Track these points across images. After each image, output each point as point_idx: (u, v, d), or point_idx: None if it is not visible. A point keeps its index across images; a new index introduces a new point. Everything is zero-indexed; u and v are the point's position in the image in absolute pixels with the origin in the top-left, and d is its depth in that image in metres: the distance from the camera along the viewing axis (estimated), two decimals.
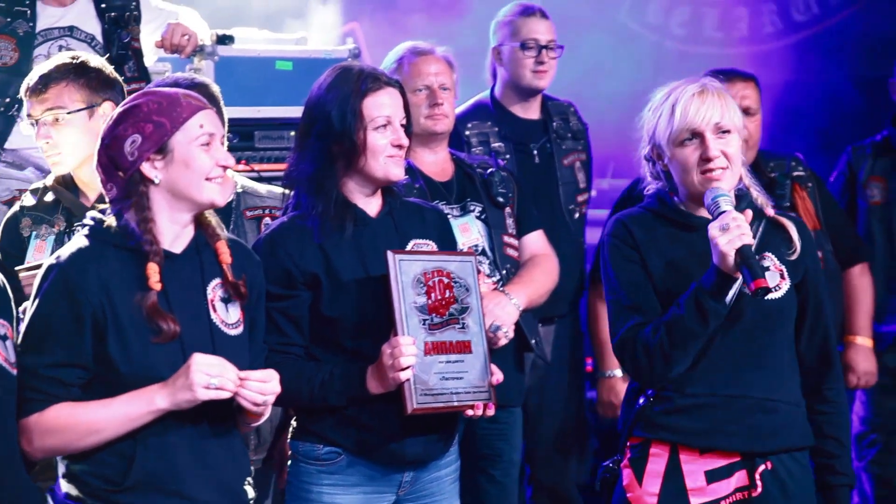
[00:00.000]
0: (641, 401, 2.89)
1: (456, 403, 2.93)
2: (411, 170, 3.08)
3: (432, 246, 3.07)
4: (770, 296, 2.83)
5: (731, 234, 2.73)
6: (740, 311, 2.84)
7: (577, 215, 4.41)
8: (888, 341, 4.53)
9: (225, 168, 2.69)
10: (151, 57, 4.43)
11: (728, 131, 2.86)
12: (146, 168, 2.65)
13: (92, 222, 2.70)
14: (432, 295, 2.93)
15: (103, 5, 4.32)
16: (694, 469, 2.85)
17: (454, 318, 2.96)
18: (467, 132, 4.28)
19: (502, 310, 3.63)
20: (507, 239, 3.95)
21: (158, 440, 2.63)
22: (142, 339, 2.62)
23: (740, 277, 2.76)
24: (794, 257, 2.90)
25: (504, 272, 3.91)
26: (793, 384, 2.92)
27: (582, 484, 4.55)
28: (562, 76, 4.45)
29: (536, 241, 4.04)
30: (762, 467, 2.86)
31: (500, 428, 3.97)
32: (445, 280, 2.96)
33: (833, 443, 2.94)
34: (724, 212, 2.76)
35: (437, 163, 3.91)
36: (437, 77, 3.91)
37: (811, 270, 2.94)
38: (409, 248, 3.03)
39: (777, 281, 2.88)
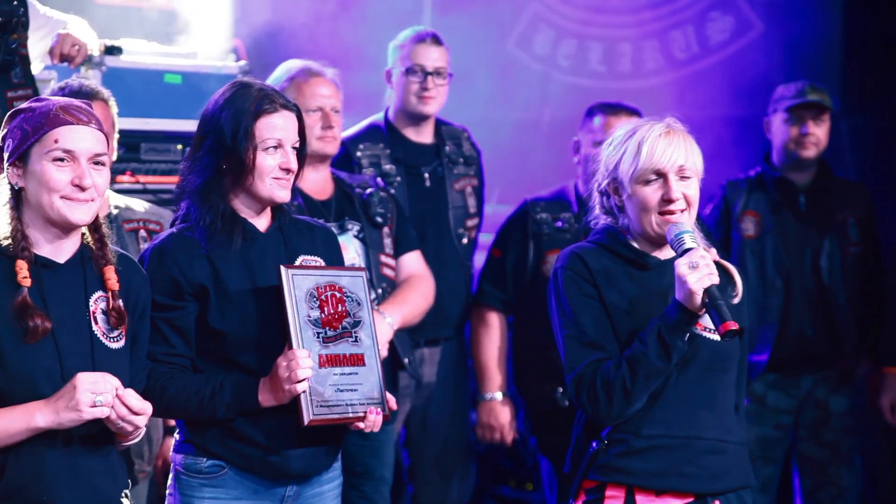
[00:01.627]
0: (594, 445, 2.87)
1: (351, 415, 2.94)
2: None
3: (320, 262, 3.08)
4: (719, 337, 2.84)
5: (701, 272, 2.73)
6: (695, 353, 2.85)
7: (465, 240, 4.45)
8: (758, 370, 4.66)
9: (83, 189, 2.64)
10: (38, 64, 4.35)
11: (690, 176, 2.88)
12: (11, 174, 2.66)
13: None
14: (325, 309, 2.95)
15: None
16: None
17: (347, 332, 2.98)
18: (358, 153, 4.30)
19: (377, 327, 3.66)
20: (383, 258, 3.99)
21: (30, 450, 2.59)
22: (17, 345, 2.58)
23: (702, 315, 2.77)
24: (736, 301, 2.87)
25: (380, 291, 3.94)
26: (736, 424, 2.95)
27: None
28: (449, 103, 4.50)
29: (413, 262, 4.08)
30: None
31: (372, 445, 4.00)
32: (338, 294, 2.99)
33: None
34: (689, 249, 2.77)
35: (317, 181, 3.93)
36: (328, 99, 3.96)
37: (746, 316, 2.97)
38: (297, 263, 3.04)
39: None
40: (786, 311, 4.64)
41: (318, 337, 2.92)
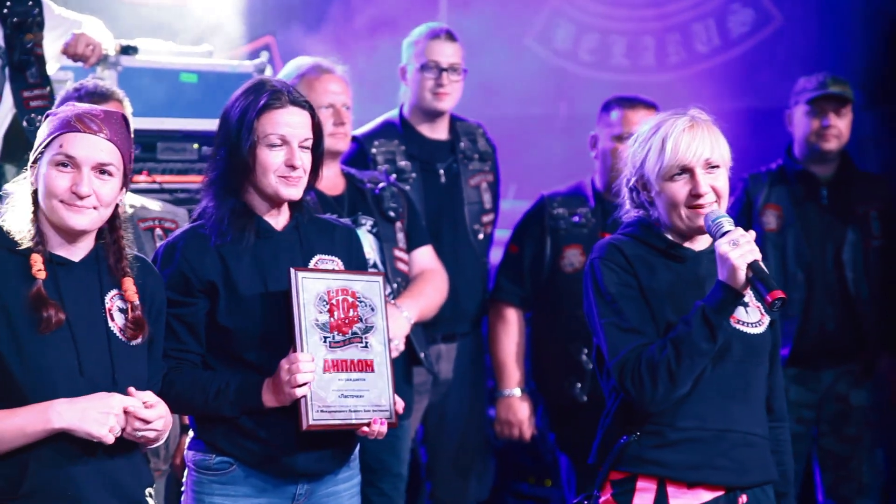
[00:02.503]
0: (625, 437, 2.85)
1: (354, 421, 2.93)
2: None
3: (337, 262, 3.07)
4: (753, 330, 2.87)
5: (743, 248, 2.73)
6: (728, 345, 2.84)
7: (481, 236, 4.44)
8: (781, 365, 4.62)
9: (79, 197, 2.66)
10: (54, 65, 4.37)
11: (717, 166, 2.86)
12: (31, 173, 2.71)
13: None
14: (335, 313, 2.94)
15: (6, 10, 4.25)
16: (682, 503, 2.83)
17: (357, 337, 2.96)
18: (374, 150, 4.30)
19: (394, 322, 3.65)
20: (397, 253, 3.99)
21: (53, 448, 2.61)
22: (35, 340, 2.61)
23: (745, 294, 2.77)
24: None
25: (395, 286, 3.94)
26: (766, 419, 2.95)
27: (482, 502, 4.58)
28: (468, 98, 4.49)
29: (425, 256, 4.08)
30: (741, 500, 2.87)
31: (388, 441, 3.95)
32: (350, 299, 2.97)
33: (782, 481, 2.99)
34: (728, 230, 2.76)
35: (328, 177, 3.93)
36: (339, 96, 3.97)
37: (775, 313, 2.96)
38: (312, 263, 3.03)
39: (759, 317, 2.90)
40: (807, 305, 4.61)
41: (324, 341, 2.91)
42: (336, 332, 2.93)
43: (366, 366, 2.97)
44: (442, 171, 4.40)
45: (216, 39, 5.31)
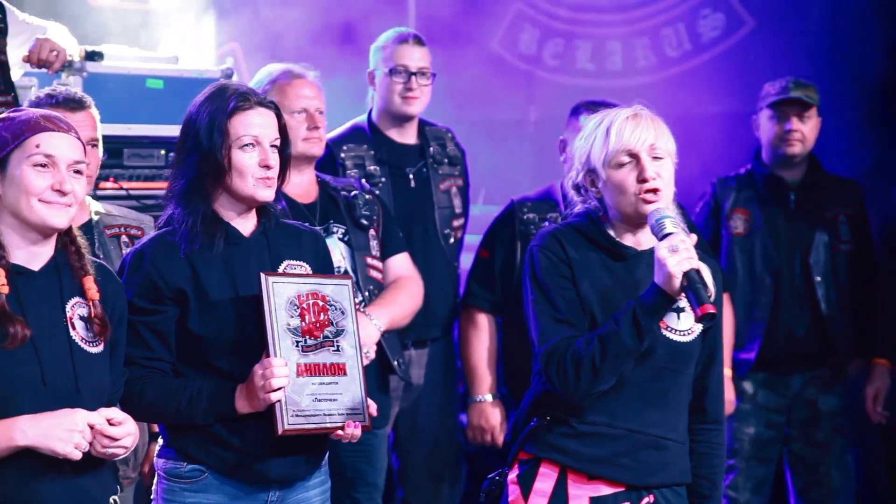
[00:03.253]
0: (535, 420, 2.91)
1: (328, 425, 2.92)
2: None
3: (306, 268, 3.06)
4: (681, 338, 2.89)
5: (681, 255, 2.73)
6: (652, 349, 2.86)
7: (451, 240, 4.44)
8: (746, 368, 4.64)
9: (62, 194, 2.65)
10: (18, 71, 4.33)
11: (662, 157, 2.88)
12: None
13: None
14: (306, 317, 2.93)
15: None
16: (579, 494, 2.88)
17: (329, 341, 2.95)
18: (342, 155, 4.29)
19: (363, 330, 3.63)
20: (369, 261, 3.97)
21: (18, 462, 2.59)
22: None
23: (679, 299, 2.79)
24: (710, 300, 2.83)
25: (367, 294, 3.93)
26: (684, 423, 2.97)
27: None
28: (435, 103, 4.48)
29: (401, 264, 4.07)
30: (646, 500, 2.90)
31: (364, 450, 3.97)
32: (320, 303, 2.96)
33: (707, 483, 3.01)
34: (670, 233, 2.77)
35: (301, 185, 3.91)
36: (312, 101, 3.94)
37: (717, 317, 2.94)
38: (281, 269, 3.02)
39: (690, 325, 2.91)
40: (775, 309, 4.63)
41: (297, 346, 2.90)
42: (308, 336, 2.92)
43: (338, 369, 2.95)
44: (412, 176, 4.39)
45: (182, 45, 5.28)
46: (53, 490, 2.62)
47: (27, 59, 4.25)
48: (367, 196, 4.02)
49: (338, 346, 2.96)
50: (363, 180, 4.20)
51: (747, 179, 4.75)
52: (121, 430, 2.64)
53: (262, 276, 2.90)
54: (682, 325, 2.89)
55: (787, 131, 4.63)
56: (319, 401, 2.91)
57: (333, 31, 5.92)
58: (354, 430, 2.94)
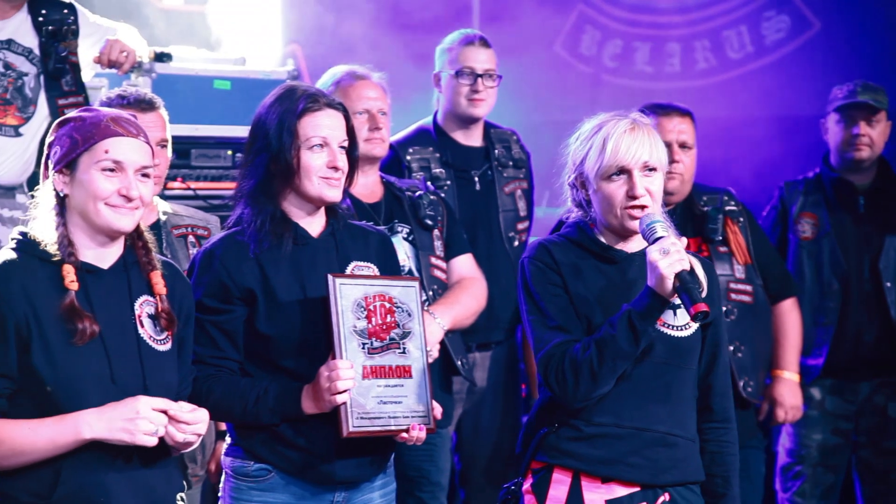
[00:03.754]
0: (545, 428, 2.93)
1: (393, 427, 2.92)
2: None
3: (373, 269, 3.07)
4: (679, 333, 2.93)
5: (672, 258, 2.78)
6: (651, 347, 2.90)
7: (516, 243, 4.43)
8: (814, 374, 4.59)
9: (129, 199, 2.67)
10: (89, 72, 4.40)
11: (654, 169, 2.92)
12: (57, 180, 2.69)
13: (19, 236, 2.71)
14: (372, 319, 2.93)
15: (41, 19, 4.28)
16: (595, 498, 2.89)
17: (395, 343, 2.96)
18: (408, 157, 4.30)
19: (427, 329, 3.63)
20: (433, 260, 3.98)
21: (87, 453, 2.61)
22: (66, 349, 2.61)
23: (672, 301, 2.82)
24: (702, 294, 2.89)
25: (431, 293, 3.93)
26: (692, 421, 2.99)
27: None
28: (499, 105, 4.47)
29: (465, 264, 4.07)
30: (661, 499, 2.91)
31: (428, 450, 3.97)
32: (387, 305, 2.96)
33: (720, 481, 3.01)
34: (661, 237, 2.82)
35: (366, 185, 3.92)
36: (375, 102, 3.96)
37: (717, 314, 3.00)
38: (349, 270, 3.03)
39: (687, 320, 2.94)
40: (843, 314, 4.58)
41: (363, 348, 2.91)
42: (374, 339, 2.92)
43: (404, 371, 2.96)
44: (476, 178, 4.39)
45: (248, 47, 5.32)
46: (119, 485, 2.65)
47: (97, 60, 4.31)
48: (431, 196, 4.03)
49: (404, 349, 2.97)
50: (433, 183, 4.20)
51: (815, 183, 4.70)
52: (194, 415, 2.65)
53: (330, 277, 2.91)
54: (679, 321, 2.93)
55: (855, 135, 4.58)
56: (384, 403, 2.91)
57: (397, 33, 5.94)
58: (419, 433, 2.94)
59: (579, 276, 2.93)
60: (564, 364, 2.85)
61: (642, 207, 2.89)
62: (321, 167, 2.97)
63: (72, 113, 2.75)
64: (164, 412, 2.61)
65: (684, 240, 2.85)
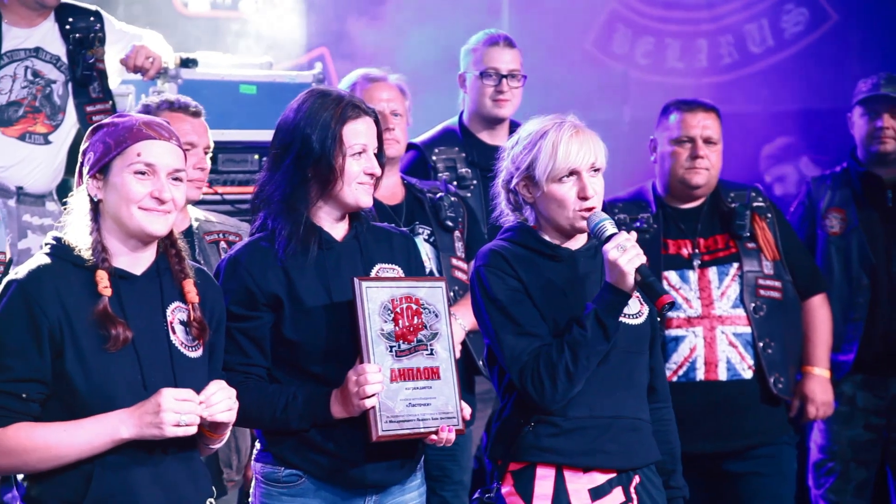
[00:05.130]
0: (524, 429, 2.98)
1: (422, 429, 2.93)
2: None
3: (398, 271, 3.07)
4: (635, 321, 3.05)
5: (630, 253, 2.89)
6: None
7: None
8: (845, 370, 4.57)
9: (161, 202, 2.68)
10: (116, 79, 4.43)
11: (599, 169, 3.03)
12: (91, 186, 2.70)
13: (53, 241, 2.72)
14: (400, 321, 2.93)
15: (68, 27, 4.32)
16: (578, 488, 2.97)
17: (422, 345, 2.96)
18: (434, 157, 4.31)
19: None
20: (455, 262, 3.99)
21: (117, 459, 2.63)
22: (99, 355, 2.62)
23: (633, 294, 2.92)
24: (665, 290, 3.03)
25: (452, 294, 3.94)
26: (647, 403, 3.11)
27: None
28: (529, 104, 4.47)
29: None
30: (634, 481, 3.02)
31: (451, 450, 3.98)
32: (414, 306, 2.96)
33: (669, 458, 3.14)
34: (613, 234, 2.92)
35: (387, 186, 3.93)
36: (388, 103, 3.98)
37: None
38: (374, 272, 3.03)
39: (639, 307, 3.07)
40: (872, 309, 4.55)
41: (390, 350, 2.91)
42: (402, 341, 2.93)
43: (432, 373, 2.96)
44: None
45: (273, 51, 5.35)
46: (149, 490, 2.66)
47: (123, 63, 4.34)
48: (452, 198, 4.05)
49: (431, 350, 2.97)
50: (452, 183, 4.21)
51: (843, 178, 4.67)
52: (223, 393, 2.66)
53: (356, 280, 2.91)
54: (633, 310, 3.04)
55: (879, 128, 4.57)
56: (413, 406, 2.91)
57: (424, 33, 5.94)
58: (449, 434, 2.95)
59: (536, 277, 3.00)
60: (540, 369, 2.93)
61: (591, 209, 2.98)
62: (359, 173, 3.00)
63: (106, 119, 2.77)
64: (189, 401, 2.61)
65: (634, 234, 2.93)
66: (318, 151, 2.97)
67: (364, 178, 3.00)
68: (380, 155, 3.06)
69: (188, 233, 3.66)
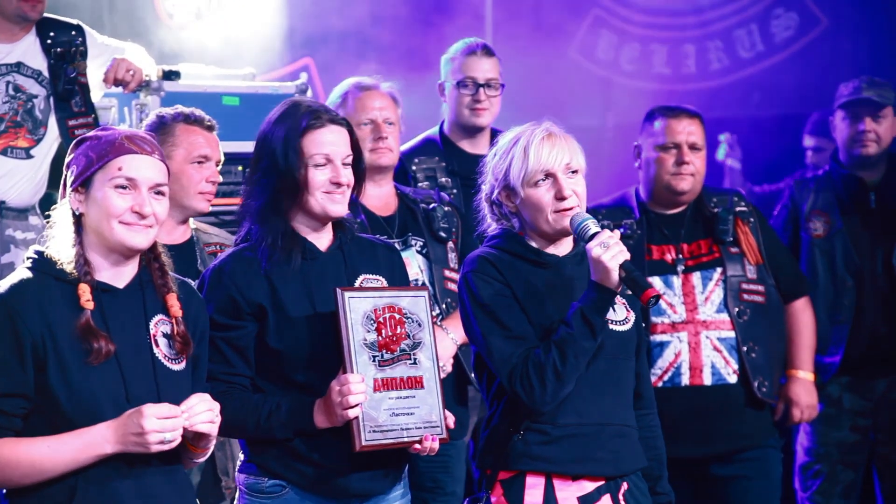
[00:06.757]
0: (514, 437, 2.98)
1: (406, 439, 2.93)
2: (353, 204, 3.12)
3: (382, 281, 3.08)
4: (621, 328, 3.05)
5: (613, 250, 2.89)
6: (602, 343, 2.97)
7: None
8: (831, 372, 4.58)
9: (142, 216, 2.68)
10: (98, 93, 4.42)
11: (576, 171, 3.02)
12: (73, 199, 2.70)
13: (35, 255, 2.72)
14: (382, 331, 2.94)
15: (49, 41, 4.32)
16: (567, 496, 2.96)
17: (405, 354, 2.96)
18: (413, 167, 4.31)
19: (440, 344, 3.64)
20: (447, 273, 3.98)
21: (100, 473, 2.63)
22: (82, 369, 2.62)
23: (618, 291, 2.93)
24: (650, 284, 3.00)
25: (444, 306, 3.93)
26: (633, 410, 3.11)
27: None
28: (511, 112, 4.47)
29: None
30: (623, 488, 3.02)
31: (443, 460, 3.98)
32: (397, 316, 2.97)
33: (656, 464, 3.14)
34: (596, 232, 2.92)
35: (380, 197, 3.93)
36: (381, 111, 3.97)
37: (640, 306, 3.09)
38: (358, 283, 3.04)
39: (625, 314, 3.07)
40: (858, 311, 4.56)
41: (373, 360, 2.91)
42: (384, 351, 2.93)
43: (415, 382, 2.96)
44: None
45: (256, 62, 5.35)
46: (131, 502, 2.65)
47: (105, 79, 4.34)
48: (445, 208, 4.03)
49: (415, 359, 2.97)
50: (442, 192, 4.21)
51: (826, 181, 4.69)
52: (204, 404, 2.66)
53: (339, 291, 2.92)
54: (619, 316, 3.04)
55: (861, 132, 4.59)
56: (396, 415, 2.91)
57: (410, 42, 5.95)
58: (432, 444, 2.95)
59: (523, 283, 3.00)
60: (529, 371, 2.92)
61: (570, 209, 2.97)
62: (324, 183, 2.99)
63: (90, 133, 2.77)
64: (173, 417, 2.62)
65: (618, 232, 2.94)
66: (282, 165, 2.98)
67: (329, 187, 2.99)
68: (357, 162, 3.06)
69: (190, 244, 3.67)
